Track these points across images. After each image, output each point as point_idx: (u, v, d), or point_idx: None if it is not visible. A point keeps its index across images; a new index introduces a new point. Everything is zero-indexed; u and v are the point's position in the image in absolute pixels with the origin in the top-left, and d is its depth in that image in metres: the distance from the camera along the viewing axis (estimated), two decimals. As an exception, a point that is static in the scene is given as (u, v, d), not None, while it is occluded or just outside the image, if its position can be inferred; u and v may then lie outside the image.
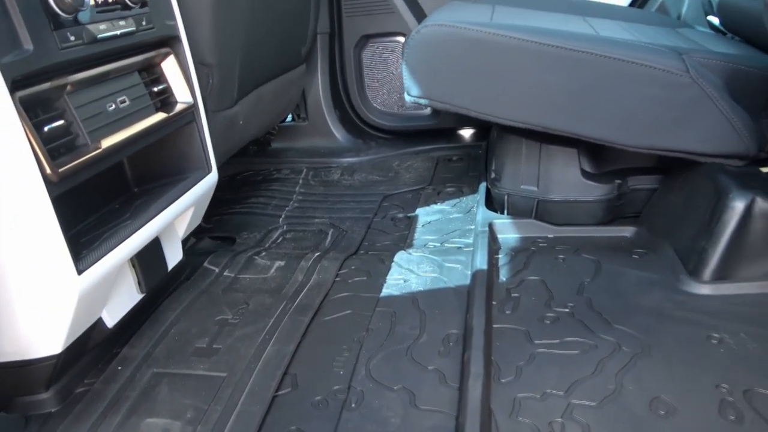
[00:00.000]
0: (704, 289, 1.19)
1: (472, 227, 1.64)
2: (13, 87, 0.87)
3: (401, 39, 2.30)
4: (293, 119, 2.49)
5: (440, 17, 1.46)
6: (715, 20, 1.85)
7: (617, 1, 2.30)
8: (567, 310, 1.18)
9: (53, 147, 0.94)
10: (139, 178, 1.36)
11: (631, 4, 2.36)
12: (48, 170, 0.91)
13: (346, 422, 0.97)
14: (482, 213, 1.63)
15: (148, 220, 1.17)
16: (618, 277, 1.27)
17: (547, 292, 1.25)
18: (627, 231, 1.50)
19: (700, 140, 1.30)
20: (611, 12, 1.95)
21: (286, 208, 1.92)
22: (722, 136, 1.28)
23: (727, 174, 1.26)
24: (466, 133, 2.50)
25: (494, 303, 1.23)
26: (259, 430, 0.96)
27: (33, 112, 0.93)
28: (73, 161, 0.96)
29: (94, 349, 1.16)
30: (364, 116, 2.46)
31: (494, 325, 1.15)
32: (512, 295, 1.25)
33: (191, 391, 1.05)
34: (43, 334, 1.00)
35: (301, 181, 2.12)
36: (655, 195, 1.53)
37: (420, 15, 2.25)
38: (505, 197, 1.64)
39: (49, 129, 0.94)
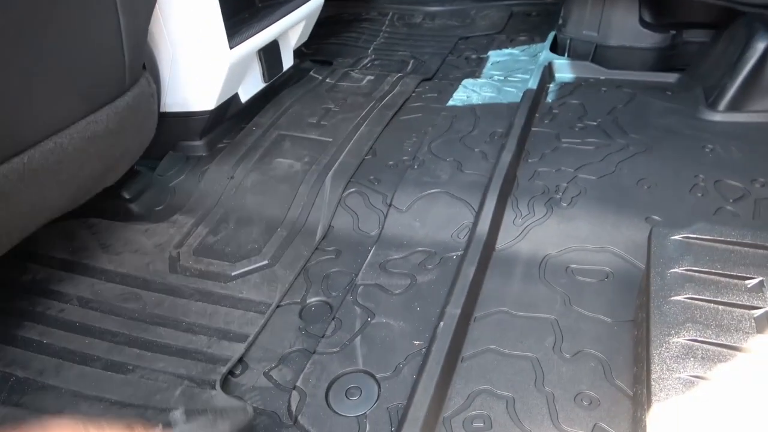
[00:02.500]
0: (716, 117, 1.42)
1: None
2: None
3: None
4: (387, -33, 2.70)
5: None
6: None
7: None
8: (595, 123, 1.46)
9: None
10: (262, -4, 1.70)
11: None
12: (213, -34, 1.25)
13: (409, 175, 1.34)
14: (545, 54, 1.86)
15: (272, 23, 1.53)
16: (646, 105, 1.52)
17: (582, 110, 1.52)
18: (671, 77, 1.70)
19: (747, -12, 1.45)
20: None
21: (374, 43, 2.22)
22: (767, -15, 1.43)
23: (761, 21, 1.43)
24: (549, -9, 2.62)
25: (537, 115, 1.52)
26: (353, 174, 1.36)
27: None
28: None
29: (232, 118, 1.58)
30: (453, -32, 2.63)
31: (532, 128, 1.46)
32: (553, 111, 1.54)
33: (307, 146, 1.47)
34: (202, 94, 1.41)
35: (387, 22, 2.39)
36: (703, 47, 1.70)
37: None
38: (568, 41, 1.86)
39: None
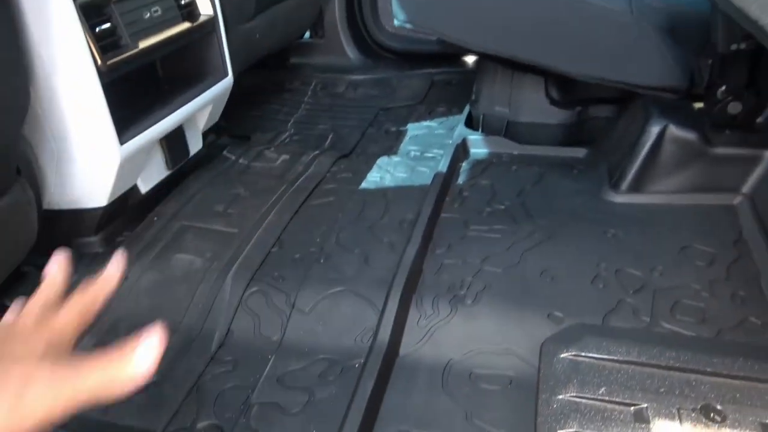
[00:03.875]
0: (618, 198, 1.44)
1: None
2: (73, -4, 1.15)
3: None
4: (311, 36, 2.71)
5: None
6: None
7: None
8: (503, 206, 1.46)
9: (103, 44, 1.23)
10: (168, 80, 1.65)
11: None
12: (99, 62, 1.20)
13: (314, 271, 1.29)
14: (460, 129, 1.88)
15: (174, 110, 1.47)
16: (554, 186, 1.54)
17: (492, 192, 1.52)
18: (580, 152, 1.74)
19: (640, 74, 1.51)
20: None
21: (295, 115, 2.20)
22: (658, 70, 1.49)
23: (656, 104, 1.48)
24: (470, 59, 2.68)
25: (447, 198, 1.51)
26: (257, 270, 1.29)
27: (87, 15, 1.21)
28: (118, 56, 1.25)
29: (131, 210, 1.50)
30: (376, 37, 2.66)
31: (442, 215, 1.45)
32: (463, 194, 1.53)
33: (211, 239, 1.40)
34: (93, 190, 1.33)
35: (310, 92, 2.38)
36: (608, 122, 1.76)
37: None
38: (481, 116, 1.89)
39: (99, 30, 1.23)
